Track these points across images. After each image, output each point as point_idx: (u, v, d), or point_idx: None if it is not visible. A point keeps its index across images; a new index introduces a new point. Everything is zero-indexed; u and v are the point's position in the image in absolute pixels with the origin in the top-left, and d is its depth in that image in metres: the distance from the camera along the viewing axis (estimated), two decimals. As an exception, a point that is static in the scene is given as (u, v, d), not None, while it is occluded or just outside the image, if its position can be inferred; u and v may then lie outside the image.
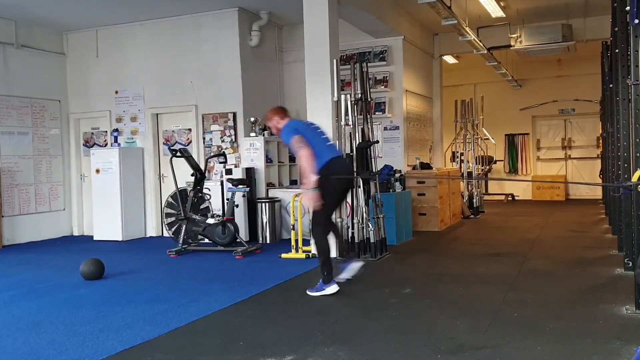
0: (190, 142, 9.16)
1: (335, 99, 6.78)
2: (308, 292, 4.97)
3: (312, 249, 6.89)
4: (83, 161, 9.98)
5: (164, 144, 9.41)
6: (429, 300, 4.71)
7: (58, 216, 9.78)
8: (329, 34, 6.80)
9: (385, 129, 9.84)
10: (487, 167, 13.41)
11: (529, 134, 15.16)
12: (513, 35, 10.36)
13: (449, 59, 12.72)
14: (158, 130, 9.48)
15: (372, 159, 6.86)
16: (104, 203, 9.08)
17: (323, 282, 4.95)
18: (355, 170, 6.45)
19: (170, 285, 5.63)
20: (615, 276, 5.33)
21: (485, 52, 10.16)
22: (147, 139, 9.42)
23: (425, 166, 9.57)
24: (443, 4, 7.35)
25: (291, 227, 7.07)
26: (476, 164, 11.42)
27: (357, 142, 6.77)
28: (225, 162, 8.36)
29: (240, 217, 8.23)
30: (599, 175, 13.01)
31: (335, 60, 6.78)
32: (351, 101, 6.78)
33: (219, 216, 7.66)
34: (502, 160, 15.08)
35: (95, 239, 9.16)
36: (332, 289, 4.92)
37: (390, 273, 5.94)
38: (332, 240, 5.36)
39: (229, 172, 8.42)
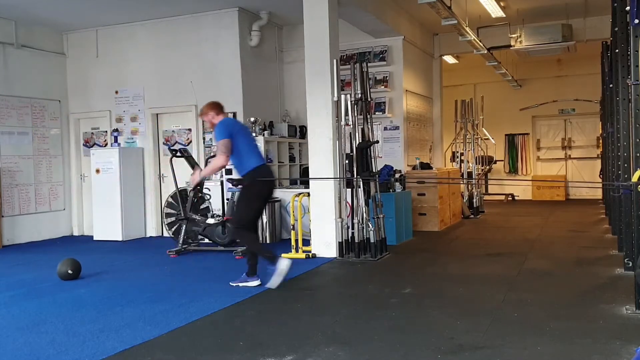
0: (190, 142, 9.15)
1: (335, 99, 6.78)
2: (231, 283, 5.34)
3: (312, 248, 6.90)
4: (83, 161, 9.98)
5: (164, 144, 9.41)
6: (429, 300, 4.70)
7: (58, 216, 9.78)
8: (329, 34, 6.81)
9: (385, 129, 9.84)
10: (487, 167, 13.41)
11: (529, 134, 15.16)
12: (513, 35, 10.35)
13: (449, 59, 12.72)
14: (158, 130, 9.48)
15: (372, 159, 6.85)
16: (104, 203, 9.08)
17: (247, 276, 5.33)
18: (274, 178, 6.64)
19: (170, 285, 5.63)
20: (615, 276, 5.33)
21: (485, 52, 10.16)
22: (147, 139, 9.42)
23: (425, 166, 9.57)
24: (443, 4, 7.35)
25: (291, 227, 7.07)
26: (476, 164, 11.43)
27: (357, 142, 6.77)
28: (225, 162, 8.34)
29: (240, 217, 8.22)
30: (599, 175, 13.01)
31: (335, 60, 6.78)
32: (351, 101, 6.78)
33: (219, 216, 7.66)
34: (502, 160, 15.08)
35: (95, 239, 9.16)
36: (255, 282, 5.29)
37: (390, 273, 5.94)
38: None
39: (229, 172, 8.42)
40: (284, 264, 5.15)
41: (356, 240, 6.61)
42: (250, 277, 5.32)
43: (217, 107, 5.52)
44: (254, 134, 8.64)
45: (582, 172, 14.64)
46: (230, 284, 5.35)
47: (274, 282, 5.17)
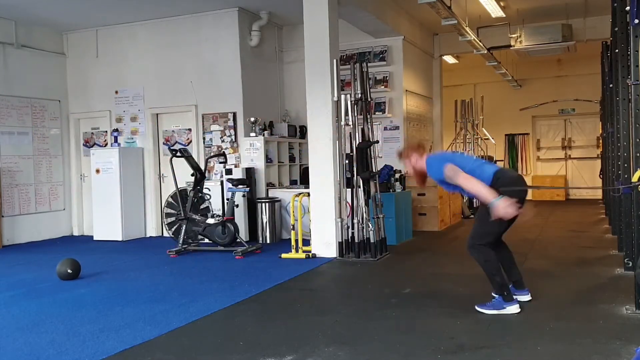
0: (190, 142, 9.15)
1: (335, 99, 6.78)
2: (477, 308, 4.29)
3: (312, 248, 6.90)
4: (83, 161, 9.98)
5: (164, 144, 9.41)
6: (429, 300, 4.70)
7: (58, 216, 9.77)
8: (329, 34, 6.81)
9: (385, 129, 9.84)
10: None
11: (529, 134, 15.16)
12: (513, 35, 10.35)
13: (449, 59, 12.72)
14: (158, 130, 9.48)
15: (372, 159, 6.85)
16: (104, 203, 9.08)
17: (504, 300, 4.26)
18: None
19: (170, 285, 5.63)
20: (615, 276, 5.33)
21: (485, 52, 10.16)
22: (147, 139, 9.42)
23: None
24: (443, 4, 7.34)
25: (291, 227, 7.06)
26: (476, 164, 11.40)
27: (357, 142, 6.77)
28: (225, 162, 8.36)
29: (240, 217, 8.23)
30: (599, 175, 12.99)
31: (335, 60, 6.78)
32: (351, 101, 6.78)
33: (219, 216, 7.66)
34: (502, 160, 15.06)
35: (95, 239, 9.15)
36: (514, 308, 4.23)
37: (390, 273, 5.94)
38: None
39: (229, 172, 8.42)
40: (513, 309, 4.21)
41: (356, 240, 6.61)
42: (507, 302, 4.24)
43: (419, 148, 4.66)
44: (253, 134, 8.67)
45: (582, 172, 14.64)
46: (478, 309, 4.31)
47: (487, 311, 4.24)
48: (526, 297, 4.51)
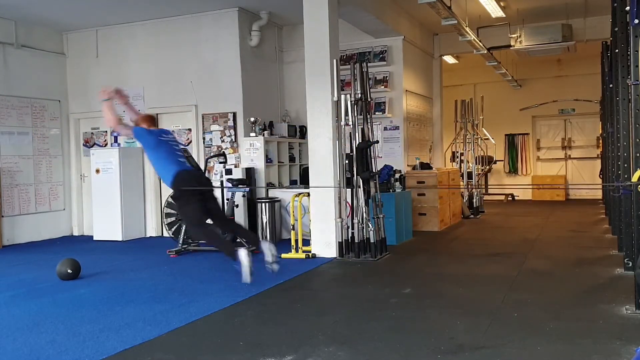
0: (190, 142, 9.15)
1: (335, 99, 6.78)
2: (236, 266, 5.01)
3: (312, 248, 6.90)
4: (83, 161, 9.98)
5: (164, 144, 9.39)
6: (429, 300, 4.71)
7: (58, 216, 9.77)
8: (329, 34, 6.80)
9: (385, 129, 9.84)
10: (487, 167, 13.42)
11: (529, 134, 15.16)
12: (513, 35, 10.35)
13: (449, 59, 12.72)
14: (158, 130, 9.46)
15: (372, 159, 6.85)
16: (103, 203, 9.08)
17: (234, 261, 4.99)
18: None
19: (170, 285, 5.63)
20: (615, 276, 5.33)
21: (485, 52, 10.15)
22: (147, 139, 9.40)
23: (425, 166, 9.57)
24: (443, 4, 7.34)
25: (291, 227, 7.07)
26: (476, 164, 11.42)
27: (357, 142, 6.77)
28: (225, 162, 8.36)
29: (240, 217, 8.23)
30: (599, 176, 13.01)
31: (335, 60, 6.78)
32: (351, 101, 6.78)
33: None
34: (502, 160, 15.08)
35: (95, 239, 9.15)
36: (243, 255, 4.90)
37: (390, 273, 5.94)
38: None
39: (228, 172, 8.42)
40: (243, 255, 4.89)
41: (356, 240, 6.61)
42: (236, 260, 5.00)
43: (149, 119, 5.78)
44: (253, 134, 8.66)
45: (582, 172, 14.64)
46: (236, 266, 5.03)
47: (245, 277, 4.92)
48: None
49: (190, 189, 5.25)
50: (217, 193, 5.95)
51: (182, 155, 5.62)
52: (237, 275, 5.60)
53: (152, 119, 5.86)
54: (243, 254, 4.87)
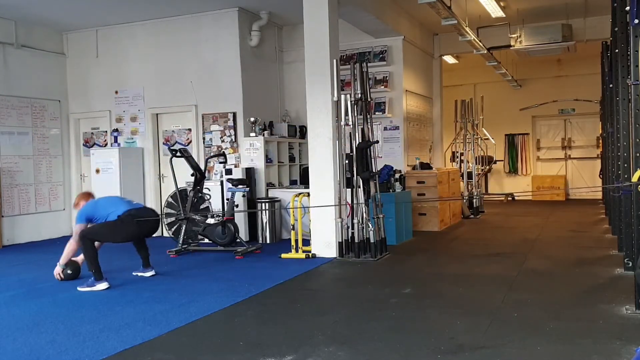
0: (190, 142, 9.15)
1: (335, 99, 6.78)
2: (78, 288, 5.47)
3: (312, 248, 6.90)
4: (83, 161, 9.99)
5: (163, 144, 9.41)
6: (429, 300, 4.71)
7: (58, 216, 9.77)
8: (329, 34, 6.80)
9: (385, 129, 9.84)
10: (487, 167, 13.42)
11: (529, 134, 15.16)
12: (513, 35, 10.35)
13: (449, 59, 12.72)
14: (158, 130, 9.48)
15: (372, 159, 6.85)
16: (104, 203, 9.06)
17: (95, 279, 5.50)
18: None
19: (170, 285, 5.63)
20: (615, 276, 5.33)
21: (485, 52, 10.15)
22: (147, 139, 9.42)
23: (425, 166, 9.56)
24: (443, 4, 7.34)
25: (291, 227, 7.07)
26: (476, 164, 11.42)
27: (357, 142, 6.77)
28: (225, 162, 8.36)
29: (240, 217, 8.23)
30: (599, 175, 13.01)
31: (335, 60, 6.78)
32: (351, 101, 6.78)
33: (219, 216, 7.66)
34: (502, 160, 15.08)
35: (95, 239, 9.14)
36: (102, 286, 5.46)
37: (390, 273, 5.94)
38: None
39: (229, 172, 8.42)
40: (102, 286, 5.46)
41: (356, 240, 6.61)
42: (97, 281, 5.50)
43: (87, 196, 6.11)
44: (253, 134, 8.66)
45: (582, 172, 14.64)
46: (78, 288, 5.46)
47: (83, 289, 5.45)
48: (149, 274, 6.03)
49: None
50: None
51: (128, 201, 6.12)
52: (238, 276, 5.61)
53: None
54: (102, 286, 5.47)
